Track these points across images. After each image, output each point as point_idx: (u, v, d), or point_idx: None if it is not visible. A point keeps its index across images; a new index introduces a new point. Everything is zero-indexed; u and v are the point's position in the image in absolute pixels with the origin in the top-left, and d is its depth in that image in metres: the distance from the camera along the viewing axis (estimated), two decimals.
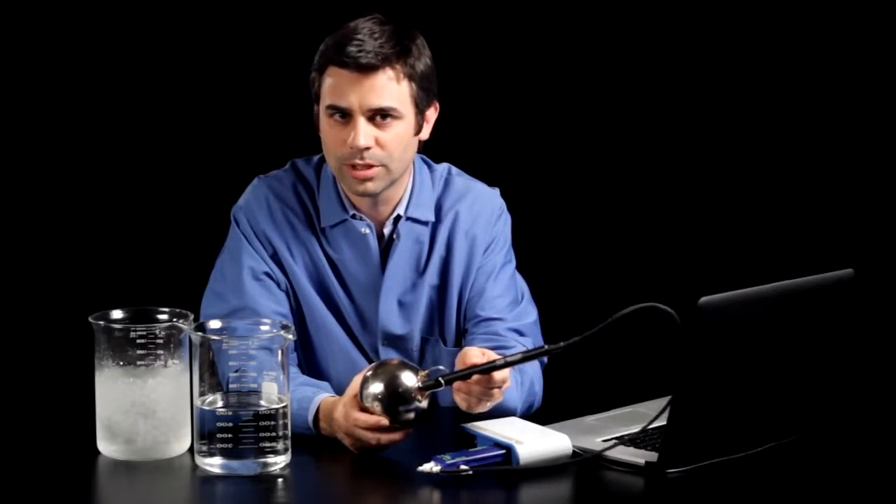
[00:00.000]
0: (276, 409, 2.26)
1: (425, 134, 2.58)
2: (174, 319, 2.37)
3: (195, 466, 2.29)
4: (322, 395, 2.42)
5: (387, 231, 2.61)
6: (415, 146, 2.56)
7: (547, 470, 2.27)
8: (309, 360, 2.62)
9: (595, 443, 2.35)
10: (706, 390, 2.23)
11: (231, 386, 2.27)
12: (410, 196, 2.61)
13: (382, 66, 2.47)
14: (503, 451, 2.28)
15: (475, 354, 2.35)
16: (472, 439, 2.33)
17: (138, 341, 2.33)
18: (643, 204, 3.58)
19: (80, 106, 3.44)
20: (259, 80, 3.45)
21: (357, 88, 2.47)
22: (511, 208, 2.71)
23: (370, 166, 2.49)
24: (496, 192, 2.71)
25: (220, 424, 2.25)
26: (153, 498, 2.24)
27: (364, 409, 2.31)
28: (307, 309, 2.60)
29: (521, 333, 2.62)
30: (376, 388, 2.30)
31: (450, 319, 2.64)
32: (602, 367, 2.93)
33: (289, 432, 2.29)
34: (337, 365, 2.61)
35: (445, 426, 2.48)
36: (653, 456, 2.27)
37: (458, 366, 2.35)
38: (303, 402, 2.40)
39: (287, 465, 2.29)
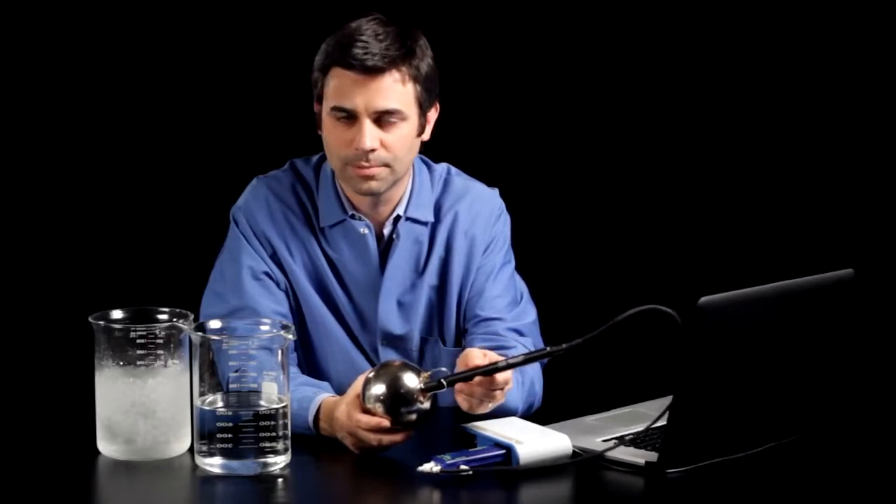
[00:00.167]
0: (276, 409, 2.26)
1: (427, 135, 2.58)
2: (174, 319, 2.37)
3: (195, 466, 2.29)
4: (322, 395, 2.42)
5: (386, 231, 2.61)
6: (417, 147, 2.56)
7: (547, 470, 2.27)
8: (308, 359, 2.62)
9: (595, 443, 2.35)
10: (706, 390, 2.23)
11: (231, 386, 2.27)
12: (410, 196, 2.61)
13: (388, 68, 2.47)
14: (503, 451, 2.28)
15: (477, 356, 2.35)
16: (472, 439, 2.33)
17: (138, 341, 2.33)
18: (643, 204, 3.57)
19: (80, 106, 3.44)
20: (259, 81, 3.45)
21: (363, 90, 2.47)
22: (510, 208, 2.71)
23: (374, 166, 2.49)
24: (495, 192, 2.71)
25: (220, 424, 2.25)
26: (153, 498, 2.24)
27: (366, 410, 2.31)
28: (306, 308, 2.60)
29: (520, 333, 2.62)
30: (378, 389, 2.30)
31: (449, 319, 2.64)
32: (602, 368, 2.93)
33: (289, 432, 2.29)
34: (336, 364, 2.61)
35: (445, 426, 2.48)
36: (653, 456, 2.27)
37: (460, 367, 2.35)
38: (303, 403, 2.40)
39: (287, 465, 2.29)
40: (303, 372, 2.57)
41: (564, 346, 2.30)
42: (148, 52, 3.44)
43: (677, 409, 2.21)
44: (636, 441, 2.35)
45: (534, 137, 3.57)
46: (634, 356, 3.02)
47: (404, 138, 2.51)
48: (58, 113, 3.43)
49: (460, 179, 2.68)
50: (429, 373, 2.32)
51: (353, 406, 2.32)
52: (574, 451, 2.31)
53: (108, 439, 2.35)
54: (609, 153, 3.57)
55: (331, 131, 2.51)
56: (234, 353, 2.27)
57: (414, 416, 2.30)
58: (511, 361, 2.32)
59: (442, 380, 2.30)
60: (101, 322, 2.34)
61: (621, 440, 2.34)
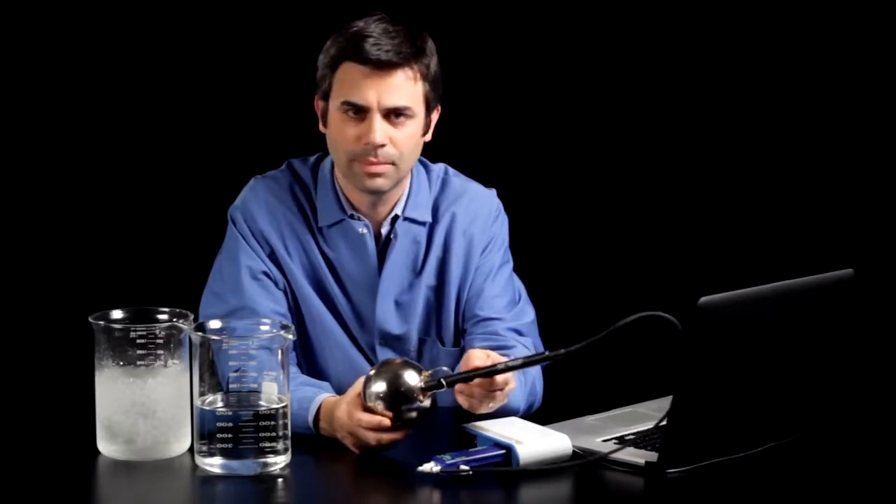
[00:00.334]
0: (276, 409, 2.26)
1: (429, 135, 2.58)
2: (174, 319, 2.37)
3: (195, 466, 2.29)
4: (323, 395, 2.42)
5: (384, 231, 2.61)
6: (421, 146, 2.57)
7: (547, 470, 2.27)
8: (307, 358, 2.62)
9: (595, 443, 2.35)
10: (706, 390, 2.23)
11: (231, 386, 2.27)
12: (408, 196, 2.62)
13: (402, 64, 2.48)
14: (503, 451, 2.28)
15: (478, 357, 2.35)
16: (472, 439, 2.33)
17: (138, 341, 2.33)
18: (643, 204, 3.57)
19: (80, 106, 3.44)
20: (257, 81, 3.45)
21: (375, 85, 2.48)
22: (509, 209, 2.71)
23: (382, 163, 2.50)
24: (493, 192, 2.71)
25: (220, 424, 2.25)
26: (153, 498, 2.24)
27: (367, 409, 2.31)
28: (305, 308, 2.60)
29: (520, 333, 2.62)
30: (379, 386, 2.30)
31: (447, 320, 2.64)
32: (602, 368, 2.93)
33: (289, 432, 2.29)
34: (336, 364, 2.61)
35: (445, 426, 2.48)
36: (653, 456, 2.27)
37: (462, 368, 2.35)
38: (303, 403, 2.40)
39: (287, 465, 2.29)
40: (301, 371, 2.57)
41: (563, 351, 2.30)
42: (148, 52, 3.44)
43: (677, 409, 2.21)
44: (636, 441, 2.35)
45: (532, 138, 3.57)
46: (634, 357, 3.02)
47: (411, 136, 2.51)
48: (58, 113, 3.43)
49: (458, 180, 2.68)
50: (429, 371, 2.32)
51: (353, 405, 2.32)
52: (574, 451, 2.31)
53: (108, 439, 2.35)
54: (608, 153, 3.57)
55: (339, 127, 2.51)
56: (234, 353, 2.27)
57: (414, 414, 2.30)
58: (511, 364, 2.32)
59: (442, 379, 2.30)
60: (101, 322, 2.34)
61: (622, 441, 2.34)
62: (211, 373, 2.28)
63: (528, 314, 2.68)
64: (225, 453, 2.25)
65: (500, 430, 2.33)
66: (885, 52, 3.43)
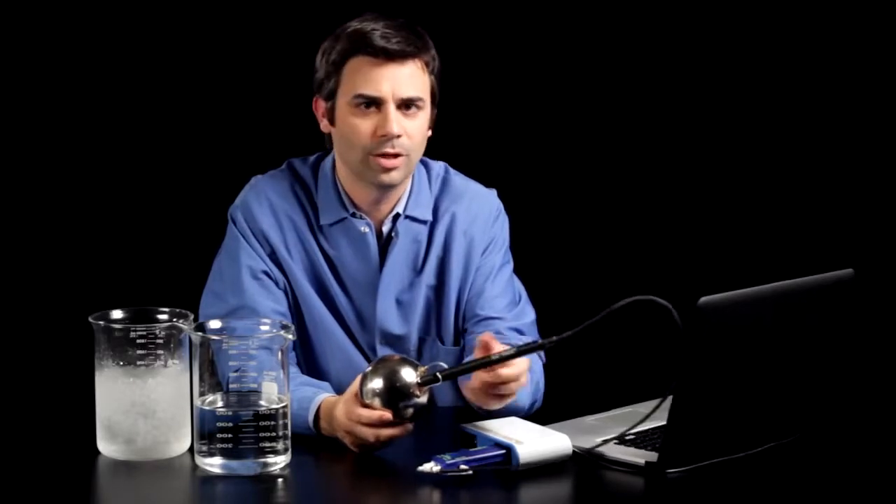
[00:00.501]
0: (276, 409, 2.26)
1: (430, 130, 2.59)
2: (174, 319, 2.37)
3: (195, 466, 2.29)
4: (322, 395, 2.42)
5: (385, 229, 2.61)
6: (426, 140, 2.57)
7: (547, 470, 2.27)
8: (308, 358, 2.62)
9: (595, 443, 2.35)
10: (706, 390, 2.23)
11: (231, 386, 2.27)
12: (409, 194, 2.62)
13: (413, 55, 2.50)
14: (503, 451, 2.28)
15: (488, 339, 2.34)
16: (472, 439, 2.33)
17: (138, 341, 2.33)
18: (642, 204, 3.57)
19: (80, 106, 3.44)
20: (257, 81, 3.45)
21: (389, 77, 2.48)
22: (509, 209, 2.71)
23: (397, 155, 2.50)
24: (493, 192, 2.71)
25: (220, 424, 2.25)
26: (153, 498, 2.24)
27: (364, 406, 2.31)
28: (305, 307, 2.60)
29: (521, 332, 2.62)
30: (376, 383, 2.30)
31: (447, 319, 2.64)
32: (601, 368, 2.93)
33: (289, 432, 2.29)
34: (336, 363, 2.61)
35: (445, 426, 2.48)
36: (653, 456, 2.27)
37: (477, 356, 2.34)
38: (303, 403, 2.40)
39: (287, 465, 2.29)
40: (301, 370, 2.58)
41: (555, 338, 2.29)
42: (148, 53, 3.44)
43: (677, 409, 2.21)
44: (636, 441, 2.35)
45: (533, 138, 3.57)
46: (633, 355, 3.02)
47: (421, 128, 2.52)
48: (58, 113, 3.43)
49: (458, 179, 2.69)
50: (426, 367, 2.32)
51: (351, 403, 2.32)
52: (574, 452, 2.31)
53: (108, 439, 2.35)
54: (608, 153, 3.57)
55: (351, 122, 2.51)
56: (234, 353, 2.27)
57: (411, 410, 2.30)
58: (503, 354, 2.32)
59: (438, 374, 2.30)
60: (101, 322, 2.34)
61: (622, 441, 2.34)
62: (211, 373, 2.28)
63: (528, 314, 2.68)
64: (225, 453, 2.25)
65: (500, 430, 2.33)
66: (886, 52, 3.43)
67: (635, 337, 3.08)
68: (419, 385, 2.30)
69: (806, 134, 3.49)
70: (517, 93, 3.55)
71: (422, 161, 2.66)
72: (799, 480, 2.28)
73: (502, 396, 2.38)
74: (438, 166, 2.69)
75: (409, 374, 2.31)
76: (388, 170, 2.51)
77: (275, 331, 2.33)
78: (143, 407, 2.32)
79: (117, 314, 2.37)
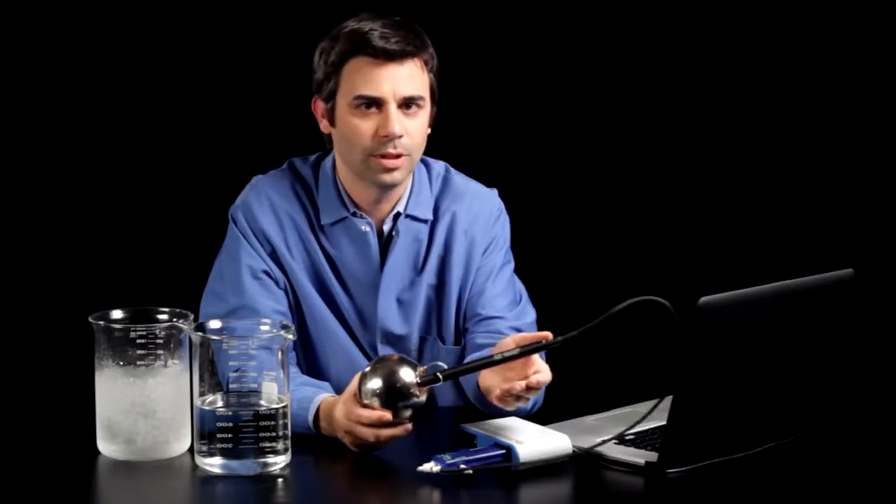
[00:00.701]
0: (276, 409, 2.26)
1: (429, 128, 2.59)
2: (174, 319, 2.37)
3: (195, 466, 2.29)
4: (322, 395, 2.42)
5: (386, 228, 2.61)
6: (426, 139, 2.57)
7: (547, 470, 2.27)
8: (308, 358, 2.62)
9: (595, 443, 2.34)
10: (706, 390, 2.22)
11: (231, 386, 2.27)
12: (410, 193, 2.62)
13: (412, 54, 2.50)
14: (503, 451, 2.27)
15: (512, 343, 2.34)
16: (472, 439, 2.33)
17: (138, 341, 2.33)
18: (642, 204, 3.57)
19: (80, 106, 3.44)
20: (257, 81, 3.45)
21: (389, 77, 2.48)
22: (509, 209, 2.71)
23: (399, 155, 2.50)
24: (494, 192, 2.71)
25: (220, 424, 2.25)
26: (153, 498, 2.24)
27: (363, 407, 2.31)
28: (306, 307, 2.60)
29: (521, 332, 2.61)
30: (375, 383, 2.30)
31: (448, 319, 2.64)
32: (601, 367, 2.92)
33: (289, 432, 2.29)
34: (336, 363, 2.61)
35: (445, 426, 2.48)
36: (653, 456, 2.27)
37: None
38: (303, 403, 2.40)
39: (287, 465, 2.29)
40: (302, 370, 2.58)
41: (560, 338, 2.29)
42: (148, 52, 3.44)
43: (677, 409, 2.21)
44: (636, 441, 2.35)
45: (533, 138, 3.57)
46: (633, 355, 3.02)
47: (422, 126, 2.52)
48: (58, 113, 3.43)
49: (459, 178, 2.69)
50: (425, 367, 2.32)
51: (350, 403, 2.32)
52: (574, 451, 2.31)
53: (108, 439, 2.35)
54: (608, 153, 3.57)
55: (352, 124, 2.51)
56: (234, 353, 2.27)
57: (410, 411, 2.30)
58: (506, 355, 2.31)
59: (438, 374, 2.30)
60: (101, 322, 2.34)
61: (622, 441, 2.34)
62: (211, 373, 2.28)
63: (529, 314, 2.68)
64: (225, 453, 2.25)
65: (500, 430, 2.33)
66: (886, 52, 3.43)
67: (635, 337, 3.08)
68: (419, 385, 2.30)
69: (806, 134, 3.49)
70: (517, 93, 3.55)
71: (422, 160, 2.66)
72: (799, 480, 2.28)
73: (525, 399, 2.38)
74: (439, 166, 2.69)
75: (407, 375, 2.30)
76: (389, 170, 2.51)
77: (275, 331, 2.33)
78: (143, 407, 2.32)
79: (117, 314, 2.37)
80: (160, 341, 2.34)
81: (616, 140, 3.57)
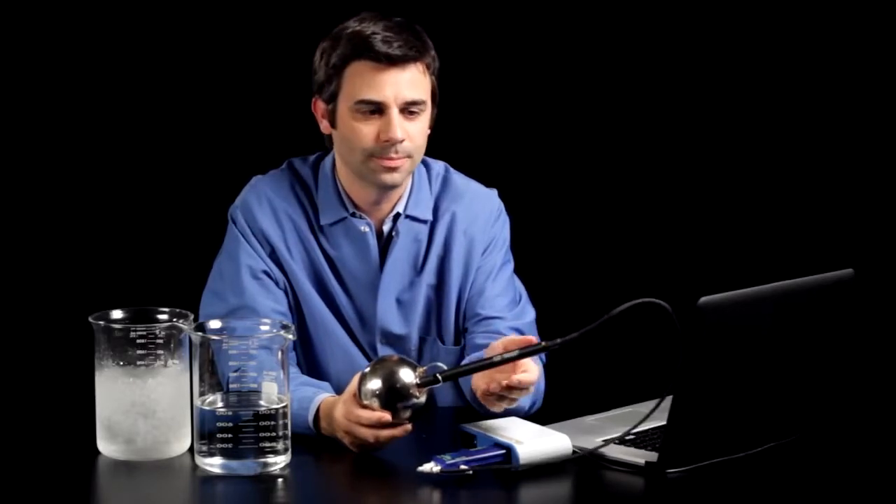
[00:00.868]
0: (276, 409, 2.26)
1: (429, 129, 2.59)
2: (174, 319, 2.37)
3: (195, 466, 2.29)
4: (322, 395, 2.42)
5: (386, 229, 2.61)
6: (426, 140, 2.57)
7: (547, 470, 2.27)
8: (308, 358, 2.62)
9: (595, 443, 2.35)
10: (706, 390, 2.23)
11: (231, 386, 2.27)
12: (409, 194, 2.62)
13: (414, 58, 2.49)
14: (503, 451, 2.27)
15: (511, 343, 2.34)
16: (472, 439, 2.33)
17: (138, 341, 2.33)
18: (642, 204, 3.57)
19: (80, 106, 3.44)
20: (257, 81, 3.45)
21: (392, 82, 2.48)
22: (508, 209, 2.71)
23: (400, 157, 2.50)
24: (494, 192, 2.71)
25: (220, 424, 2.25)
26: (153, 498, 2.24)
27: (363, 407, 2.31)
28: (306, 307, 2.60)
29: (521, 332, 2.61)
30: (374, 384, 2.30)
31: (448, 319, 2.64)
32: (601, 368, 2.92)
33: (289, 432, 2.29)
34: (336, 363, 2.61)
35: (445, 426, 2.48)
36: (653, 456, 2.27)
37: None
38: (303, 403, 2.40)
39: (287, 465, 2.29)
40: (302, 370, 2.58)
41: (559, 340, 2.29)
42: (147, 52, 3.44)
43: (677, 409, 2.21)
44: (636, 441, 2.35)
45: (533, 138, 3.57)
46: (633, 355, 3.01)
47: (423, 129, 2.53)
48: (58, 113, 3.43)
49: (459, 179, 2.69)
50: (424, 368, 2.32)
51: (350, 404, 2.32)
52: (574, 451, 2.31)
53: (108, 439, 2.35)
54: (608, 153, 3.57)
55: (353, 126, 2.51)
56: (234, 352, 2.27)
57: (410, 412, 2.30)
58: (506, 357, 2.31)
59: (437, 374, 2.30)
60: (101, 322, 2.34)
61: (622, 441, 2.34)
62: (211, 373, 2.28)
63: (528, 314, 2.68)
64: (225, 453, 2.25)
65: (500, 430, 2.33)
66: (886, 52, 3.43)
67: (635, 337, 3.08)
68: (419, 386, 2.30)
69: (806, 134, 3.49)
70: (517, 93, 3.55)
71: (422, 160, 2.65)
72: (799, 480, 2.28)
73: (511, 400, 2.38)
74: (439, 166, 2.69)
75: (407, 375, 2.30)
76: (390, 170, 2.51)
77: (275, 331, 2.33)
78: (143, 407, 2.32)
79: (117, 314, 2.37)
80: (160, 341, 2.34)
81: (616, 140, 3.57)
